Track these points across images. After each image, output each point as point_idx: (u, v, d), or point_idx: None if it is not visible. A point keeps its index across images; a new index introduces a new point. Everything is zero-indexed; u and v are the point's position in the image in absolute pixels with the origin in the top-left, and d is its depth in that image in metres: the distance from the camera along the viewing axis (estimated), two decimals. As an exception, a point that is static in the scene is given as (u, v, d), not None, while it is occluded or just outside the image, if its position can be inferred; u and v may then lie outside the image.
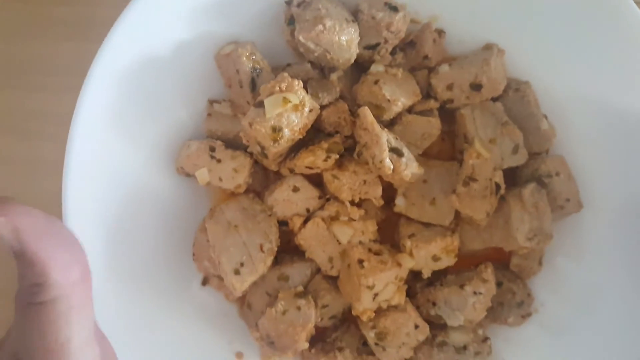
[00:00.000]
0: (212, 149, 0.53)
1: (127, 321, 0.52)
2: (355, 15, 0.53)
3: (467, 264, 0.57)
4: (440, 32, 0.57)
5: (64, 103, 0.71)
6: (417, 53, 0.57)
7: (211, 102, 0.56)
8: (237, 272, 0.51)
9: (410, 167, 0.49)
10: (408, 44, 0.57)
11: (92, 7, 0.73)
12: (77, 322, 0.36)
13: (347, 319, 0.58)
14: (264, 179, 0.57)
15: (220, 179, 0.54)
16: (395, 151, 0.49)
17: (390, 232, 0.58)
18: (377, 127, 0.49)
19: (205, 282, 0.58)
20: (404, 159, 0.49)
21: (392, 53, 0.56)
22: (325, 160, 0.50)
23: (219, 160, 0.53)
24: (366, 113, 0.49)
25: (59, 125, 0.71)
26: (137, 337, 0.53)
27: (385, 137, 0.49)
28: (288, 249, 0.57)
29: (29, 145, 0.72)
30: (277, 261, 0.55)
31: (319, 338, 0.57)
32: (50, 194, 0.71)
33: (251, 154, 0.54)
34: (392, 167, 0.48)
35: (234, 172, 0.53)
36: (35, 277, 0.35)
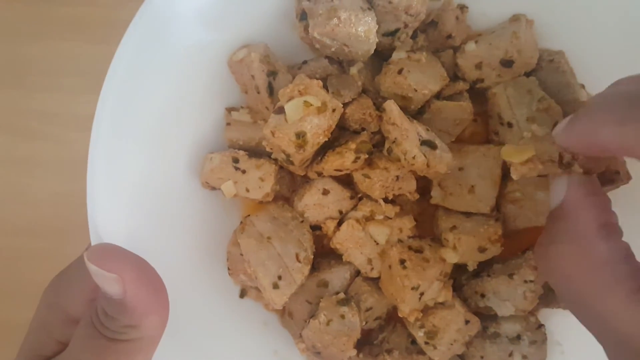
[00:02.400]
0: (236, 160, 0.51)
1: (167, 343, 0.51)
2: (369, 1, 0.50)
3: (513, 248, 0.55)
4: (462, 8, 0.53)
5: (64, 103, 0.72)
6: (439, 33, 0.53)
7: (229, 110, 0.54)
8: (276, 286, 0.49)
9: (445, 159, 0.47)
10: (429, 25, 0.54)
11: (93, 8, 0.72)
12: (151, 355, 0.41)
13: (393, 318, 0.56)
14: (291, 183, 0.55)
15: (247, 190, 0.52)
16: (428, 144, 0.47)
17: (428, 225, 0.55)
18: (405, 121, 0.46)
19: (243, 294, 0.57)
20: (438, 152, 0.46)
21: (413, 36, 0.52)
22: (354, 161, 0.48)
23: (243, 171, 0.51)
24: (392, 107, 0.46)
25: (59, 125, 0.72)
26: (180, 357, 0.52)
27: (416, 131, 0.46)
28: (323, 253, 0.55)
29: (29, 145, 0.72)
30: (314, 267, 0.53)
31: (365, 341, 0.55)
32: (51, 194, 0.72)
33: (276, 160, 0.52)
34: (426, 162, 0.46)
35: (260, 181, 0.51)
36: (131, 321, 0.39)
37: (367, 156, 0.48)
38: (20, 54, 0.73)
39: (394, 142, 0.47)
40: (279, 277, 0.49)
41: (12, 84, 0.73)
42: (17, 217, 0.73)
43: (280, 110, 0.46)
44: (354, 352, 0.52)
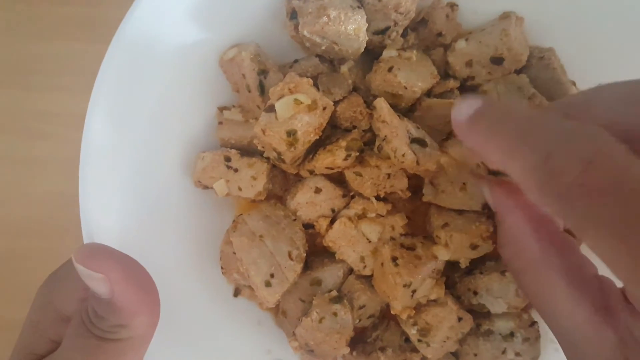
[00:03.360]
0: (228, 159, 0.51)
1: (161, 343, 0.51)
2: (359, -1, 0.50)
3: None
4: (452, 6, 0.53)
5: (64, 103, 0.72)
6: (429, 31, 0.53)
7: (221, 109, 0.54)
8: (268, 284, 0.49)
9: (435, 157, 0.47)
10: (419, 23, 0.54)
11: (93, 7, 0.73)
12: (142, 354, 0.41)
13: (386, 316, 0.56)
14: (283, 181, 0.55)
15: (240, 189, 0.52)
16: (418, 141, 0.47)
17: (420, 222, 0.55)
18: (395, 118, 0.46)
19: (237, 293, 0.57)
20: (427, 149, 0.46)
21: (403, 35, 0.53)
22: (345, 159, 0.48)
23: (235, 170, 0.51)
24: (382, 105, 0.47)
25: (59, 125, 0.72)
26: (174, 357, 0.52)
27: (406, 128, 0.46)
28: (316, 251, 0.55)
29: (29, 145, 0.73)
30: (307, 265, 0.53)
31: (358, 339, 0.55)
32: (50, 193, 0.72)
33: (268, 159, 0.52)
34: (416, 159, 0.46)
35: (253, 179, 0.51)
36: (120, 320, 0.38)
37: (357, 154, 0.49)
38: (20, 54, 0.73)
39: (384, 139, 0.48)
40: (271, 275, 0.49)
41: (12, 84, 0.73)
42: (17, 217, 0.73)
43: (271, 109, 0.46)
44: (347, 350, 0.52)
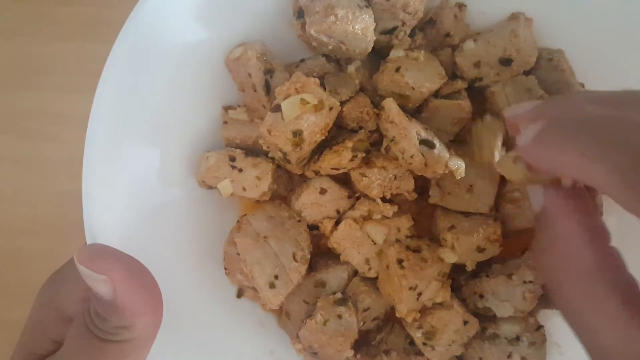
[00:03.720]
0: (233, 159, 0.51)
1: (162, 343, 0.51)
2: (367, -2, 0.50)
3: (512, 248, 0.54)
4: (460, 6, 0.53)
5: (64, 103, 0.72)
6: (437, 32, 0.53)
7: (226, 108, 0.53)
8: (272, 286, 0.49)
9: (443, 159, 0.46)
10: (427, 23, 0.53)
11: (93, 7, 0.73)
12: (144, 356, 0.41)
13: (391, 319, 0.56)
14: (288, 182, 0.55)
15: (244, 189, 0.51)
16: (426, 143, 0.46)
17: (426, 224, 0.55)
18: (404, 119, 0.46)
19: (240, 294, 0.56)
20: (436, 151, 0.46)
21: (411, 35, 0.52)
22: (351, 160, 0.47)
23: (240, 170, 0.51)
24: (392, 105, 0.46)
25: (59, 125, 0.72)
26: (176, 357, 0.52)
27: (415, 129, 0.45)
28: (320, 253, 0.55)
29: (29, 145, 0.73)
30: (311, 267, 0.53)
31: (363, 342, 0.55)
32: (50, 194, 0.72)
33: (273, 159, 0.51)
34: (424, 161, 0.45)
35: (257, 180, 0.51)
36: (122, 321, 0.38)
37: (364, 155, 0.48)
38: (20, 53, 0.73)
39: (392, 140, 0.47)
40: (276, 277, 0.49)
41: (13, 84, 0.73)
42: (17, 217, 0.73)
43: (277, 108, 0.45)
44: (351, 353, 0.51)
